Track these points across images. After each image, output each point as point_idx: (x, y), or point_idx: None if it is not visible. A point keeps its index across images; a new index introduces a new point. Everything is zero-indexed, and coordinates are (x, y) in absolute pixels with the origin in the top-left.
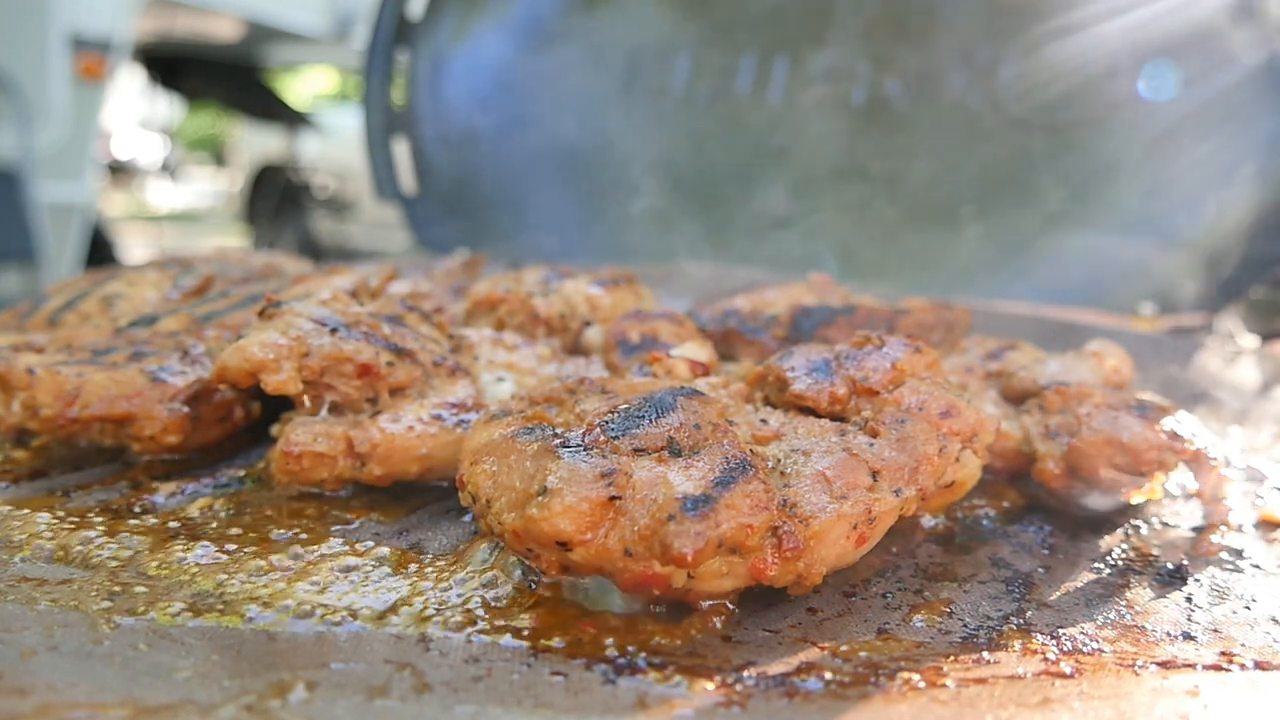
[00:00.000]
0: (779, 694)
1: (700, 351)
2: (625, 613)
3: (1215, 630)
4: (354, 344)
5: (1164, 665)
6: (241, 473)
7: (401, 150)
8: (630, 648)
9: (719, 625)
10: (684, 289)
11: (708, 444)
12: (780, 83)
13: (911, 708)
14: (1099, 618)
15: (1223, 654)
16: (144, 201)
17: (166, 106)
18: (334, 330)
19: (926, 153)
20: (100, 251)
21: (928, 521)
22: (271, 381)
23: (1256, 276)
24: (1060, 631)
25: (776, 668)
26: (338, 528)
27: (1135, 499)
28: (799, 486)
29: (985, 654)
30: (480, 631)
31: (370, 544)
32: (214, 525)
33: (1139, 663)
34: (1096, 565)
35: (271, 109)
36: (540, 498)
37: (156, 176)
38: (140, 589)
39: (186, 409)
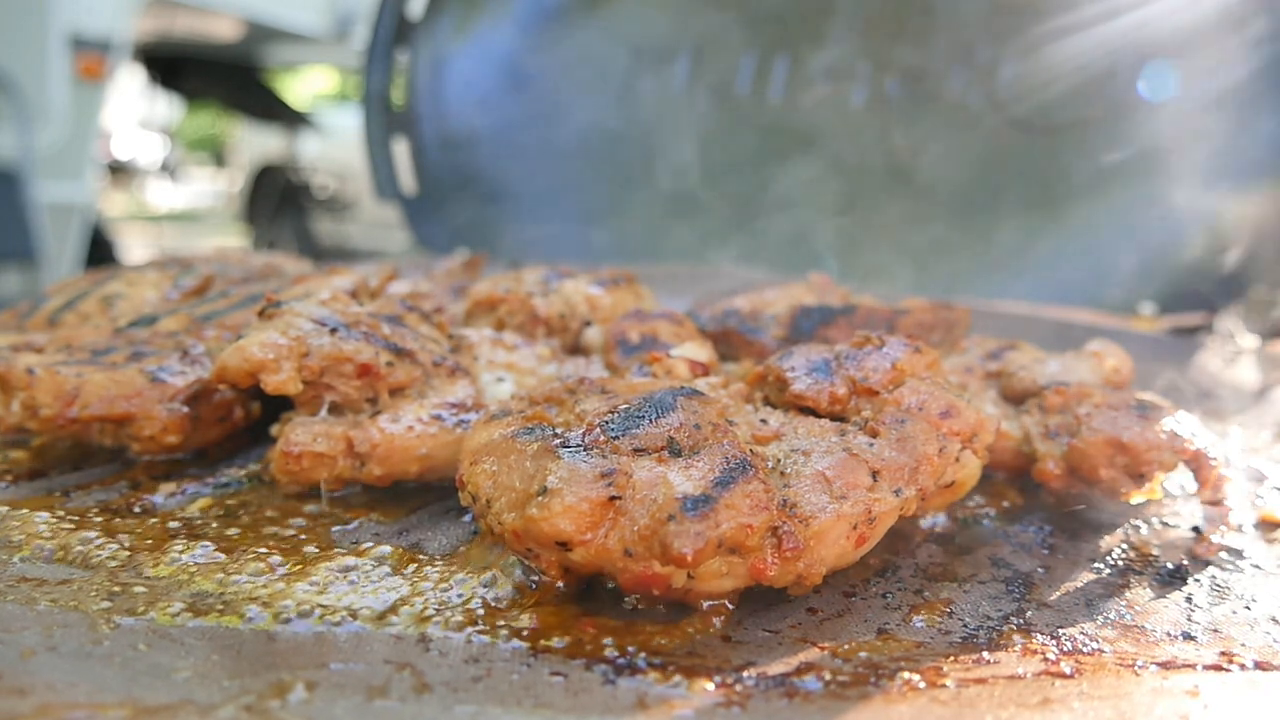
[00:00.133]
0: (779, 694)
1: (700, 351)
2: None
3: (1215, 630)
4: (354, 344)
5: (1164, 665)
6: (241, 473)
7: (401, 150)
8: (630, 648)
9: (719, 625)
10: (684, 289)
11: (708, 444)
12: (780, 82)
13: (911, 708)
14: (1099, 618)
15: (1223, 654)
16: (144, 201)
17: (166, 106)
18: (334, 330)
19: (926, 152)
20: (100, 251)
21: (928, 521)
22: (271, 381)
23: (1256, 276)
24: (1060, 631)
25: (776, 668)
26: (337, 528)
27: (1135, 499)
28: (799, 486)
29: (985, 654)
30: (480, 631)
31: (370, 544)
32: (214, 525)
33: (1139, 663)
34: (1096, 565)
35: (271, 109)
36: (540, 498)
37: (156, 176)
38: (140, 589)
39: (186, 409)
